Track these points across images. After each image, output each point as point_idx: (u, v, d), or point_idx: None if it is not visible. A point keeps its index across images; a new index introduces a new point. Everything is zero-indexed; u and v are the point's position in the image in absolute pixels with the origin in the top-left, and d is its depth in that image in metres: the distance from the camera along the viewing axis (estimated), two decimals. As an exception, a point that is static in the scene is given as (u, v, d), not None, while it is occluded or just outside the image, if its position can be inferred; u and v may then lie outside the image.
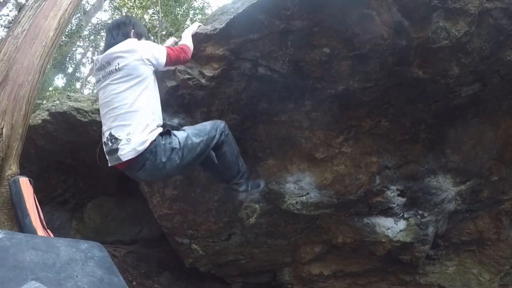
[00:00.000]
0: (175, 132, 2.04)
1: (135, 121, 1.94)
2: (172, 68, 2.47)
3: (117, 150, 1.94)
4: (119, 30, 2.22)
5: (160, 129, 2.01)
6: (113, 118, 1.99)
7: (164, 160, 1.93)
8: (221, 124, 2.24)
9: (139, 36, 2.30)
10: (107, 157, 2.06)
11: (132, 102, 1.96)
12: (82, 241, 2.26)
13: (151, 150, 1.91)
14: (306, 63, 2.39)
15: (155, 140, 1.93)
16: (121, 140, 1.93)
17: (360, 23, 2.15)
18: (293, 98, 2.63)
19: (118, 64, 2.00)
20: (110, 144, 1.99)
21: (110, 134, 1.98)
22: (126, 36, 2.19)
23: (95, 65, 2.18)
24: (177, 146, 1.96)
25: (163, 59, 2.12)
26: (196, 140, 2.05)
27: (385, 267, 3.51)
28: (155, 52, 2.10)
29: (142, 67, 2.01)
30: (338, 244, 3.28)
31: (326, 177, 2.84)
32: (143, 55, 2.03)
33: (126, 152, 1.92)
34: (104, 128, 2.07)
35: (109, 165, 2.07)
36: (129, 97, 1.97)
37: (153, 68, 2.10)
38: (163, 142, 1.95)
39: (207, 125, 2.19)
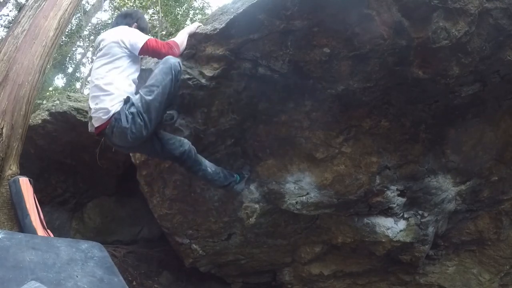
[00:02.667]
0: (132, 98, 2.17)
1: (102, 93, 2.18)
2: (155, 57, 2.50)
3: (91, 118, 2.24)
4: (124, 19, 2.54)
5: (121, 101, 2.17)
6: (91, 90, 2.29)
7: (127, 125, 2.08)
8: (171, 61, 2.21)
9: (141, 30, 2.52)
10: (89, 126, 2.35)
11: (102, 77, 2.21)
12: (82, 241, 2.25)
13: (115, 118, 2.11)
14: (306, 63, 2.39)
15: (119, 109, 2.13)
16: (91, 109, 2.22)
17: (360, 23, 2.15)
18: (293, 98, 2.63)
19: (102, 44, 2.31)
20: (90, 112, 2.27)
21: (89, 106, 2.28)
22: (127, 26, 2.45)
23: (95, 46, 2.48)
24: (134, 110, 2.10)
25: (139, 44, 2.28)
26: (149, 97, 2.12)
27: (385, 267, 3.51)
28: (133, 37, 2.30)
29: (116, 48, 2.25)
30: (338, 244, 3.28)
31: (326, 177, 2.84)
32: (120, 37, 2.27)
33: (96, 120, 2.19)
34: (89, 94, 2.35)
35: (91, 130, 2.33)
36: (101, 72, 2.23)
37: (127, 52, 2.27)
38: (125, 110, 2.12)
39: (157, 74, 2.20)
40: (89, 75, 2.66)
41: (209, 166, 2.57)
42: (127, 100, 2.14)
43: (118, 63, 2.25)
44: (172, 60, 2.22)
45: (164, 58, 2.28)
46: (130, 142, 2.17)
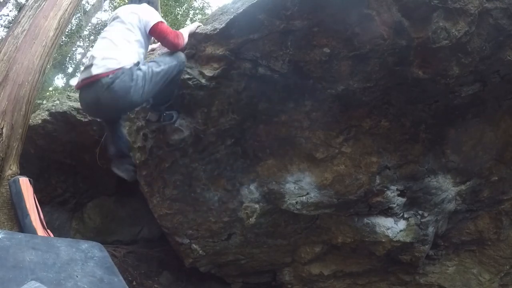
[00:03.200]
0: (141, 64, 2.26)
1: (116, 47, 2.22)
2: (160, 42, 2.55)
3: (91, 65, 2.15)
4: (148, 2, 2.56)
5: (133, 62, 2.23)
6: (100, 45, 2.29)
7: (131, 84, 2.11)
8: (181, 54, 2.41)
9: None
10: (80, 75, 2.27)
11: (118, 38, 2.26)
12: (82, 241, 2.25)
13: (123, 71, 2.11)
14: (306, 63, 2.39)
15: (129, 66, 2.15)
16: (96, 58, 2.17)
17: (360, 23, 2.15)
18: (293, 98, 2.63)
19: (121, 13, 2.39)
20: (87, 62, 2.23)
21: (91, 55, 2.24)
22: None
23: (109, 21, 2.52)
24: (141, 74, 2.16)
25: (151, 23, 2.35)
26: (156, 69, 2.24)
27: (385, 267, 3.51)
28: (150, 15, 2.39)
29: (135, 19, 2.33)
30: (338, 244, 3.28)
31: (326, 177, 2.84)
32: (140, 12, 2.37)
33: (98, 67, 2.12)
34: (89, 53, 2.35)
35: (78, 80, 2.24)
36: (118, 34, 2.29)
37: (142, 27, 2.34)
38: (134, 70, 2.16)
39: (166, 56, 2.39)
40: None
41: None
42: (136, 64, 2.21)
43: (135, 32, 2.31)
44: (181, 53, 2.40)
45: (173, 50, 2.42)
46: (119, 102, 2.16)
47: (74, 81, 2.66)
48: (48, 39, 3.51)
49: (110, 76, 2.07)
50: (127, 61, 2.15)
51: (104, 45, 2.25)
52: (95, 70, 2.11)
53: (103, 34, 2.38)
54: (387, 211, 3.04)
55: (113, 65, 2.10)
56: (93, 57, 2.19)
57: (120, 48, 2.21)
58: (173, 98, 2.58)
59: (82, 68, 2.34)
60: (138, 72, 2.15)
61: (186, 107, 2.71)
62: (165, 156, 2.96)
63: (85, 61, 2.39)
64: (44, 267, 1.79)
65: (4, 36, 5.09)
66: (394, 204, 2.98)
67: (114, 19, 2.40)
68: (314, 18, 2.19)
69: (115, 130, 2.67)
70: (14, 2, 9.95)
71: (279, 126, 2.75)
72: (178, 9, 10.44)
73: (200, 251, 3.41)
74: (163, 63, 2.28)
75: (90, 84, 2.14)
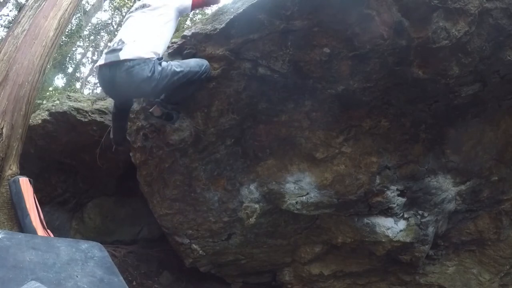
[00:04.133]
0: (163, 60, 2.34)
1: (144, 36, 2.29)
2: (204, 5, 2.71)
3: (119, 49, 2.22)
4: None
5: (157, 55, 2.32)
6: (130, 29, 2.37)
7: (148, 74, 2.19)
8: (206, 63, 2.46)
9: None
10: (104, 56, 2.31)
11: (148, 24, 2.35)
12: (82, 241, 2.25)
13: (145, 61, 2.20)
14: (306, 63, 2.39)
15: (153, 59, 2.24)
16: (126, 44, 2.24)
17: (360, 23, 2.15)
18: (293, 98, 2.63)
19: (152, 2, 2.45)
20: (115, 45, 2.28)
21: (120, 39, 2.30)
22: None
23: (136, 6, 2.59)
24: (159, 69, 2.24)
25: (188, 2, 2.50)
26: (176, 69, 2.31)
27: (385, 267, 3.51)
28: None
29: (165, 8, 2.41)
30: (338, 244, 3.28)
31: (326, 177, 2.84)
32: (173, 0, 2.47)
33: (127, 52, 2.20)
34: (117, 36, 2.41)
35: (105, 61, 2.27)
36: (148, 21, 2.37)
37: (176, 12, 2.45)
38: (156, 63, 2.24)
39: (191, 61, 2.45)
40: (126, 18, 2.69)
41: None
42: (160, 58, 2.29)
43: (163, 19, 2.37)
44: (207, 63, 2.46)
45: (203, 60, 2.48)
46: (131, 87, 2.24)
47: (99, 62, 2.69)
48: (48, 39, 3.51)
49: (133, 60, 2.17)
50: (153, 53, 2.23)
51: (135, 32, 2.32)
52: (126, 55, 2.19)
53: (131, 20, 2.42)
54: (387, 211, 3.04)
55: (140, 54, 2.19)
56: (122, 42, 2.26)
57: (150, 39, 2.28)
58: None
59: (107, 49, 2.39)
60: (158, 67, 2.22)
61: (186, 107, 2.71)
62: (165, 156, 2.96)
63: (112, 43, 2.40)
64: (44, 267, 1.79)
65: (4, 36, 5.09)
66: (394, 204, 2.98)
67: (143, 6, 2.45)
68: (314, 18, 2.19)
69: (121, 119, 2.81)
70: (14, 2, 9.95)
71: (279, 126, 2.75)
72: (178, 9, 10.42)
73: (200, 251, 3.41)
74: (185, 66, 2.34)
75: (113, 64, 2.23)
